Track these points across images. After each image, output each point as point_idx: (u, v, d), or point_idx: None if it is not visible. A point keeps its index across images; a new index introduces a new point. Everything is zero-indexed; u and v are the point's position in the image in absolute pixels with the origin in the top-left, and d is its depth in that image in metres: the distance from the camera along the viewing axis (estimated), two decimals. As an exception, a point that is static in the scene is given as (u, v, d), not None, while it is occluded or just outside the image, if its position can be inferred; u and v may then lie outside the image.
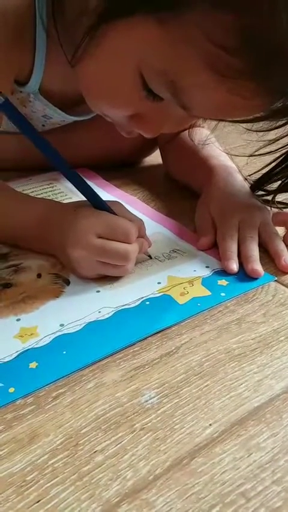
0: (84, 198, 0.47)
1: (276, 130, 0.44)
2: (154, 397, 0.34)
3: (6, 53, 0.49)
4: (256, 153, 0.51)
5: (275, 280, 0.47)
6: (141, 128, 0.45)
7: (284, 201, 0.55)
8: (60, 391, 0.35)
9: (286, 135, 0.47)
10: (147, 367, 0.37)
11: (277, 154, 0.51)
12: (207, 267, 0.49)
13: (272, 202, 0.54)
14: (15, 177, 0.68)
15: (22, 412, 0.33)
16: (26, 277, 0.47)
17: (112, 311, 0.42)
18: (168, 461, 0.30)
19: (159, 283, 0.46)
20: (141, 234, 0.47)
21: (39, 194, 0.64)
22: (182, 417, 0.33)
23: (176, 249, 0.52)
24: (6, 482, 0.29)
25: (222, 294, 0.45)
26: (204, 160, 0.61)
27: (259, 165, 0.54)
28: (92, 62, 0.41)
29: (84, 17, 0.39)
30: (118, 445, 0.31)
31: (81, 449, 0.31)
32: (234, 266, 0.48)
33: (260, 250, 0.49)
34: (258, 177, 0.55)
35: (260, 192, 0.56)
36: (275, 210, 0.55)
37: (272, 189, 0.54)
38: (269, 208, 0.55)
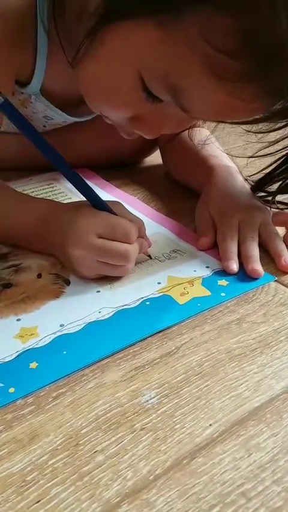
0: (84, 198, 0.47)
1: (276, 132, 0.44)
2: (154, 397, 0.34)
3: (6, 54, 0.49)
4: (257, 154, 0.51)
5: (275, 280, 0.47)
6: (141, 129, 0.45)
7: (284, 201, 0.55)
8: (60, 391, 0.35)
9: (286, 137, 0.47)
10: (147, 367, 0.37)
11: (278, 156, 0.51)
12: (207, 267, 0.49)
13: (272, 203, 0.54)
14: (16, 177, 0.68)
15: (22, 412, 0.33)
16: (26, 277, 0.47)
17: (112, 311, 0.42)
18: (169, 461, 0.30)
19: (159, 283, 0.46)
20: (141, 234, 0.48)
21: (39, 194, 0.64)
22: (182, 417, 0.33)
23: (176, 249, 0.52)
24: (6, 482, 0.29)
25: (223, 294, 0.45)
26: (204, 160, 0.61)
27: (259, 165, 0.54)
28: (92, 63, 0.41)
29: (84, 19, 0.39)
30: (118, 445, 0.31)
31: (82, 449, 0.31)
32: (235, 266, 0.48)
33: (260, 251, 0.49)
34: (258, 178, 0.55)
35: (261, 193, 0.56)
36: (275, 210, 0.55)
37: (272, 190, 0.54)
38: (269, 208, 0.55)
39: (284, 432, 0.32)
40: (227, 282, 0.46)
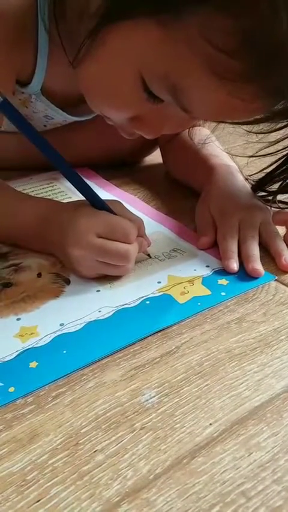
0: (83, 198, 0.47)
1: (277, 132, 0.44)
2: (154, 396, 0.34)
3: (6, 53, 0.49)
4: (257, 154, 0.51)
5: (276, 280, 0.47)
6: (141, 129, 0.45)
7: (285, 200, 0.55)
8: (60, 390, 0.35)
9: (287, 137, 0.47)
10: (147, 366, 0.37)
11: (278, 156, 0.51)
12: (207, 266, 0.49)
13: (272, 202, 0.54)
14: (16, 176, 0.68)
15: (22, 412, 0.33)
16: (26, 277, 0.47)
17: (112, 310, 0.42)
18: (169, 460, 0.30)
19: (159, 282, 0.46)
20: (141, 234, 0.47)
21: (39, 193, 0.64)
22: (182, 416, 0.33)
23: (176, 248, 0.52)
24: (6, 481, 0.29)
25: (223, 294, 0.45)
26: (204, 160, 0.61)
27: (259, 164, 0.54)
28: (93, 63, 0.41)
29: (85, 19, 0.39)
30: (118, 445, 0.31)
31: (82, 448, 0.31)
32: (235, 265, 0.48)
33: (260, 250, 0.49)
34: (259, 177, 0.55)
35: (261, 193, 0.56)
36: (275, 209, 0.55)
37: (273, 189, 0.54)
38: (269, 207, 0.55)
39: (284, 431, 0.32)
40: (227, 281, 0.46)
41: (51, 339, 0.39)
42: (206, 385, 0.35)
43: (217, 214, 0.54)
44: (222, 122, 0.43)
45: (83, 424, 0.32)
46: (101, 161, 0.72)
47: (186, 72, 0.36)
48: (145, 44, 0.37)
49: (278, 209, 0.54)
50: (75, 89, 0.49)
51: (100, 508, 0.27)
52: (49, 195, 0.63)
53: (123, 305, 0.43)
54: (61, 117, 0.62)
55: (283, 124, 0.43)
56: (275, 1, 0.32)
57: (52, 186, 0.66)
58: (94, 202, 0.46)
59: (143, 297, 0.44)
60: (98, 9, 0.38)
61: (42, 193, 0.64)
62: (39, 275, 0.47)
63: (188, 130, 0.62)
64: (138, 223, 0.47)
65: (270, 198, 0.54)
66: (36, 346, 0.38)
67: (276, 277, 0.47)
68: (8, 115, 0.43)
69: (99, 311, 0.42)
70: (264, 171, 0.54)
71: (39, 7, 0.47)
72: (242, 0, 0.32)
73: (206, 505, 0.27)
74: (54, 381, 0.36)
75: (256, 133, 0.44)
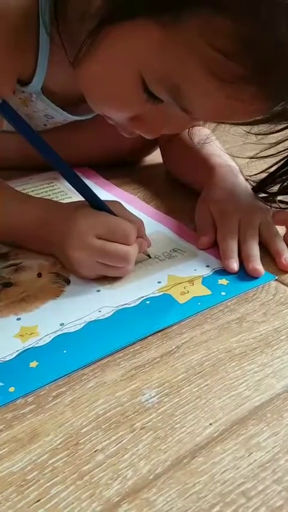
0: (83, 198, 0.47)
1: (277, 133, 0.44)
2: (154, 396, 0.34)
3: (7, 54, 0.49)
4: (257, 155, 0.51)
5: (276, 280, 0.47)
6: (141, 129, 0.45)
7: (285, 200, 0.55)
8: (60, 390, 0.35)
9: (287, 139, 0.47)
10: (147, 366, 0.37)
11: (279, 157, 0.51)
12: (207, 266, 0.49)
13: (272, 201, 0.54)
14: (16, 176, 0.68)
15: (22, 412, 0.33)
16: (26, 277, 0.47)
17: (112, 310, 0.42)
18: (169, 460, 0.30)
19: (159, 282, 0.46)
20: (141, 234, 0.47)
21: (39, 193, 0.64)
22: (183, 416, 0.33)
23: (176, 248, 0.52)
24: (7, 481, 0.29)
25: (223, 293, 0.45)
26: (205, 159, 0.61)
27: (258, 164, 0.54)
28: (93, 63, 0.41)
29: (86, 19, 0.39)
30: (118, 445, 0.31)
31: (82, 448, 0.31)
32: (235, 265, 0.48)
33: (260, 250, 0.49)
34: (259, 178, 0.55)
35: (262, 194, 0.55)
36: (275, 209, 0.55)
37: (273, 191, 0.54)
38: (269, 207, 0.54)
39: (285, 431, 0.32)
40: (228, 281, 0.46)
41: (51, 338, 0.39)
42: (206, 385, 0.35)
43: (217, 214, 0.54)
44: (222, 122, 0.43)
45: (83, 423, 0.32)
46: (101, 161, 0.71)
47: (186, 73, 0.36)
48: (145, 45, 0.37)
49: (278, 209, 0.54)
50: (75, 89, 0.49)
51: (100, 508, 0.27)
52: (49, 195, 0.63)
53: (123, 305, 0.43)
54: (61, 117, 0.62)
55: (283, 126, 0.43)
56: (274, 4, 0.32)
57: (52, 186, 0.66)
58: (93, 202, 0.46)
59: (143, 297, 0.44)
60: (98, 10, 0.38)
61: (42, 193, 0.64)
62: (39, 275, 0.47)
63: (188, 130, 0.62)
64: (138, 224, 0.47)
65: (270, 198, 0.54)
66: (36, 346, 0.38)
67: (277, 277, 0.47)
68: (7, 117, 0.43)
69: (100, 311, 0.42)
70: (265, 171, 0.54)
71: (40, 7, 0.47)
72: (242, 3, 0.32)
73: (206, 505, 0.27)
74: (55, 380, 0.36)
75: (256, 134, 0.44)
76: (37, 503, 0.28)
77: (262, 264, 0.48)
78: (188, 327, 0.41)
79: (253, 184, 0.56)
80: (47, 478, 0.29)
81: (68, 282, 0.46)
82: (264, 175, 0.55)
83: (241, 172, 0.59)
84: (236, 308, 0.43)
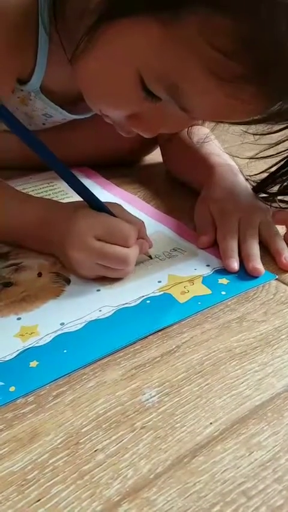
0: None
1: (278, 133, 0.44)
2: (155, 395, 0.34)
3: (8, 52, 0.49)
4: (257, 155, 0.51)
5: (276, 279, 0.47)
6: (139, 127, 0.45)
7: (285, 199, 0.55)
8: (60, 389, 0.35)
9: (287, 139, 0.47)
10: (148, 365, 0.37)
11: (279, 158, 0.51)
12: (207, 265, 0.49)
13: (273, 201, 0.54)
14: (16, 176, 0.68)
15: (23, 411, 0.33)
16: (26, 276, 0.47)
17: (113, 310, 0.42)
18: (169, 460, 0.30)
19: (159, 282, 0.46)
20: (142, 235, 0.47)
21: (39, 193, 0.64)
22: (183, 416, 0.33)
23: (176, 247, 0.52)
24: (7, 481, 0.29)
25: (223, 293, 0.45)
26: (204, 158, 0.61)
27: (258, 164, 0.54)
28: (91, 60, 0.41)
29: (85, 16, 0.39)
30: (119, 444, 0.31)
31: (82, 448, 0.31)
32: (235, 265, 0.48)
33: (260, 249, 0.49)
34: (260, 178, 0.55)
35: (262, 194, 0.55)
36: (275, 208, 0.54)
37: (273, 191, 0.54)
38: (269, 207, 0.54)
39: (285, 431, 0.32)
40: (228, 281, 0.46)
41: (51, 338, 0.39)
42: (207, 384, 0.35)
43: (217, 214, 0.54)
44: (220, 122, 0.43)
45: (84, 423, 0.32)
46: (101, 160, 0.71)
47: (185, 71, 0.36)
48: (144, 42, 0.37)
49: (278, 208, 0.54)
50: (74, 87, 0.49)
51: (100, 507, 0.27)
52: (49, 195, 0.63)
53: (123, 304, 0.43)
54: (60, 116, 0.62)
55: (282, 126, 0.43)
56: (274, 3, 0.31)
57: (52, 186, 0.66)
58: (92, 203, 0.46)
59: (143, 296, 0.44)
60: (97, 6, 0.38)
61: (42, 192, 0.64)
62: (39, 275, 0.47)
63: (187, 129, 0.62)
64: (139, 225, 0.47)
65: (270, 198, 0.54)
66: (36, 345, 0.38)
67: (277, 276, 0.47)
68: (3, 118, 0.42)
69: (100, 310, 0.42)
70: (265, 171, 0.54)
71: (39, 5, 0.47)
72: (242, 2, 0.32)
73: (206, 504, 0.27)
74: (55, 380, 0.35)
75: (254, 134, 0.44)
76: (37, 503, 0.28)
77: (262, 263, 0.48)
78: (188, 327, 0.41)
79: (253, 184, 0.56)
80: (47, 478, 0.29)
81: (68, 281, 0.46)
82: (264, 175, 0.55)
83: (241, 171, 0.59)
84: (236, 307, 0.43)
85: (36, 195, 0.58)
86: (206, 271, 0.48)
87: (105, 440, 0.31)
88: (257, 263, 0.47)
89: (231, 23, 0.32)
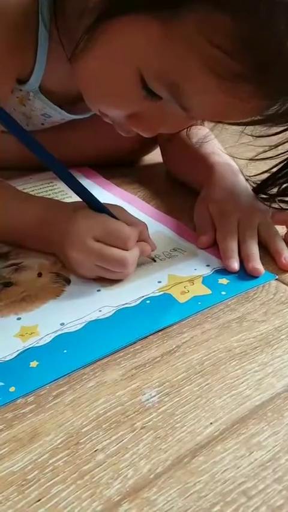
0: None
1: (277, 134, 0.44)
2: (155, 395, 0.34)
3: (8, 52, 0.49)
4: (257, 157, 0.51)
5: (276, 279, 0.47)
6: (139, 127, 0.45)
7: (285, 199, 0.55)
8: (60, 390, 0.35)
9: (287, 141, 0.47)
10: (148, 365, 0.37)
11: (279, 159, 0.50)
12: (207, 265, 0.49)
13: (273, 201, 0.54)
14: (17, 176, 0.68)
15: (23, 411, 0.33)
16: (26, 276, 0.47)
17: (113, 310, 0.42)
18: (169, 459, 0.30)
19: (159, 282, 0.46)
20: (143, 238, 0.47)
21: (39, 193, 0.64)
22: (183, 416, 0.33)
23: (176, 247, 0.52)
24: (7, 481, 0.29)
25: (223, 293, 0.45)
26: (204, 158, 0.61)
27: (258, 165, 0.54)
28: (91, 59, 0.41)
29: (85, 15, 0.39)
30: (119, 444, 0.31)
31: (82, 448, 0.31)
32: (236, 265, 0.48)
33: (260, 250, 0.49)
34: (260, 179, 0.55)
35: (262, 195, 0.55)
36: (274, 209, 0.54)
37: (273, 192, 0.54)
38: (268, 207, 0.54)
39: (285, 430, 0.32)
40: (228, 281, 0.46)
41: (51, 338, 0.39)
42: (207, 384, 0.35)
43: (216, 214, 0.54)
44: (219, 122, 0.43)
45: (84, 423, 0.32)
46: (100, 160, 0.71)
47: (185, 69, 0.36)
48: (144, 41, 0.37)
49: (278, 209, 0.54)
50: (73, 87, 0.48)
51: (101, 507, 0.27)
52: (49, 195, 0.63)
53: (123, 304, 0.43)
54: (59, 116, 0.62)
55: (282, 128, 0.43)
56: (273, 2, 0.31)
57: (52, 186, 0.66)
58: (91, 203, 0.46)
59: (143, 296, 0.44)
60: (97, 5, 0.38)
61: (42, 192, 0.64)
62: (39, 275, 0.47)
63: (188, 129, 0.62)
64: (141, 227, 0.47)
65: (270, 199, 0.54)
66: (36, 345, 0.38)
67: (277, 277, 0.47)
68: (1, 120, 0.42)
69: (100, 310, 0.42)
70: (266, 172, 0.54)
71: (39, 5, 0.47)
72: (241, 1, 0.32)
73: (206, 504, 0.27)
74: (55, 380, 0.35)
75: (256, 136, 0.44)
76: (38, 503, 0.28)
77: (262, 263, 0.48)
78: (188, 327, 0.41)
79: (253, 185, 0.56)
80: (47, 478, 0.29)
81: (68, 281, 0.46)
82: (264, 175, 0.55)
83: (241, 171, 0.59)
84: (236, 307, 0.43)
85: (37, 195, 0.58)
86: (206, 271, 0.48)
87: (105, 440, 0.31)
88: (257, 263, 0.47)
89: (231, 21, 0.32)
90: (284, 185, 0.52)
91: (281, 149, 0.49)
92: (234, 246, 0.49)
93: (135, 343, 0.39)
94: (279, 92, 0.36)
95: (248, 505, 0.27)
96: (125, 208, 0.48)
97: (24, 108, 0.60)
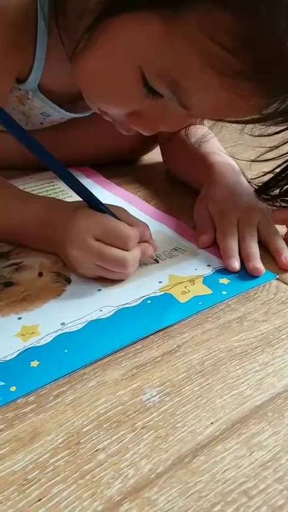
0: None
1: (278, 135, 0.44)
2: (156, 395, 0.34)
3: (7, 51, 0.49)
4: (259, 158, 0.51)
5: (277, 279, 0.47)
6: (139, 125, 0.45)
7: (285, 199, 0.55)
8: (61, 389, 0.35)
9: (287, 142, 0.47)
10: (148, 365, 0.37)
11: (281, 160, 0.50)
12: (208, 265, 0.49)
13: (275, 202, 0.54)
14: (17, 175, 0.68)
15: (23, 411, 0.33)
16: (27, 276, 0.47)
17: (113, 310, 0.42)
18: (170, 459, 0.30)
19: (160, 282, 0.46)
20: (145, 239, 0.47)
21: (40, 192, 0.64)
22: (184, 415, 0.33)
23: (177, 247, 0.52)
24: (8, 480, 0.29)
25: (224, 293, 0.45)
26: (204, 157, 0.61)
27: (259, 164, 0.54)
28: (92, 58, 0.41)
29: (86, 13, 0.39)
30: (120, 444, 0.31)
31: (83, 447, 0.31)
32: (236, 264, 0.47)
33: (260, 249, 0.49)
34: (262, 180, 0.55)
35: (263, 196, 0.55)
36: (274, 208, 0.54)
37: (274, 194, 0.54)
38: (268, 206, 0.54)
39: (286, 430, 0.32)
40: (228, 280, 0.46)
41: (52, 338, 0.39)
42: (208, 384, 0.35)
43: (216, 213, 0.53)
44: (220, 120, 0.43)
45: (85, 423, 0.32)
46: (100, 159, 0.71)
47: (186, 67, 0.36)
48: (145, 38, 0.37)
49: (278, 207, 0.54)
50: (72, 86, 0.48)
51: (101, 507, 0.27)
52: (50, 194, 0.63)
53: (124, 304, 0.43)
54: (58, 114, 0.62)
55: (282, 127, 0.43)
56: (274, 1, 0.31)
57: (53, 185, 0.66)
58: (91, 202, 0.46)
59: (144, 296, 0.44)
60: (98, 2, 0.38)
61: (42, 192, 0.64)
62: (40, 274, 0.47)
63: (188, 128, 0.62)
64: (143, 228, 0.46)
65: (271, 200, 0.54)
66: (37, 345, 0.38)
67: (277, 276, 0.47)
68: (0, 120, 0.42)
69: (101, 310, 0.42)
70: (268, 173, 0.54)
71: (39, 4, 0.47)
72: (241, 0, 0.32)
73: (207, 504, 0.27)
74: (56, 380, 0.36)
75: (258, 136, 0.44)
76: (38, 503, 0.28)
77: (262, 262, 0.48)
78: (189, 326, 0.41)
79: (255, 187, 0.56)
80: (48, 477, 0.29)
81: (69, 281, 0.46)
82: (265, 176, 0.55)
83: (241, 170, 0.59)
84: (237, 307, 0.43)
85: (38, 195, 0.58)
86: (207, 271, 0.48)
87: (106, 440, 0.31)
88: (257, 262, 0.47)
89: (231, 19, 0.32)
90: (286, 186, 0.52)
91: (282, 150, 0.49)
92: (234, 245, 0.49)
93: (135, 342, 0.39)
94: (279, 91, 0.36)
95: (248, 505, 0.27)
96: (125, 207, 0.48)
97: (23, 107, 0.60)
